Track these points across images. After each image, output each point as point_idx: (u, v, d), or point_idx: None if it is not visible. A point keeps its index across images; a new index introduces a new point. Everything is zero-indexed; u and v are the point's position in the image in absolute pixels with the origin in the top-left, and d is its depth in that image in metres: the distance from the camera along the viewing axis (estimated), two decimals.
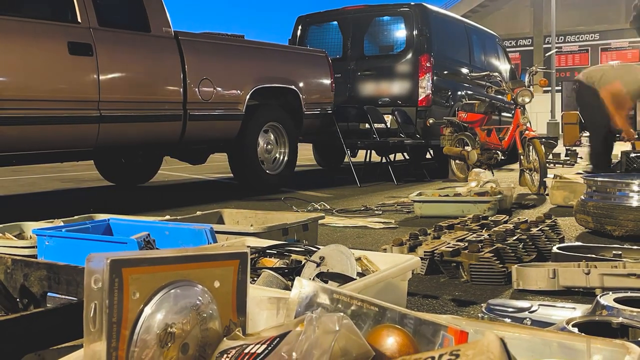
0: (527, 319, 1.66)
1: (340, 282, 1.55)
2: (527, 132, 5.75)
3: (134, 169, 6.80)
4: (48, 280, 1.52)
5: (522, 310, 1.74)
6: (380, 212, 4.43)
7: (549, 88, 23.88)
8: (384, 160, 7.17)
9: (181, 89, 5.05)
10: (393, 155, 7.72)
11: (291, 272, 1.78)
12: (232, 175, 6.19)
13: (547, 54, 25.42)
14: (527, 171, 5.63)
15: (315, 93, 6.48)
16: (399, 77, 7.70)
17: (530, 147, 5.59)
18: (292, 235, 2.60)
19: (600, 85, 5.53)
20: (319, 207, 4.52)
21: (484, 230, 2.99)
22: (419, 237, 2.85)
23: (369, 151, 7.86)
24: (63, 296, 1.49)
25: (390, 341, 0.91)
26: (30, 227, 2.80)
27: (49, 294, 1.53)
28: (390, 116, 7.36)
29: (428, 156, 8.80)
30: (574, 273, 2.15)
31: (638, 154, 5.68)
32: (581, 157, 9.80)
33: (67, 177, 8.33)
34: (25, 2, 4.80)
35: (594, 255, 2.40)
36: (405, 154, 7.72)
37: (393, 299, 1.52)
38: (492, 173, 5.68)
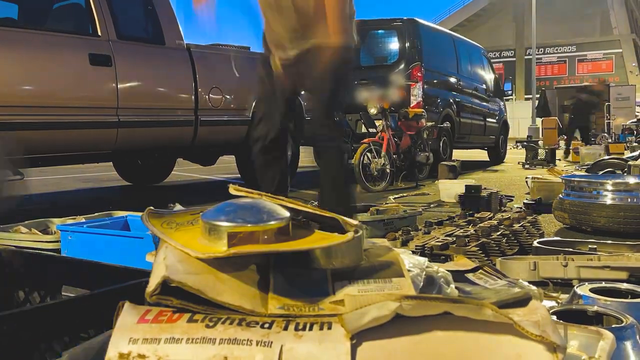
0: None
1: None
2: None
3: (149, 169, 6.79)
4: (65, 273, 1.51)
5: None
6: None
7: (530, 96, 23.92)
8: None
9: (193, 97, 5.04)
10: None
11: None
12: (239, 175, 6.18)
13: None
14: None
15: None
16: (393, 85, 7.70)
17: None
18: None
19: None
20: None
21: (470, 226, 2.98)
22: (411, 232, 2.85)
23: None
24: (78, 289, 1.49)
25: None
26: (55, 223, 2.80)
27: (65, 286, 1.53)
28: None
29: None
30: (553, 265, 2.15)
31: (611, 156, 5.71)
32: (559, 159, 9.82)
33: (88, 177, 8.33)
34: (50, 17, 4.80)
35: (571, 249, 2.39)
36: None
37: None
38: None
